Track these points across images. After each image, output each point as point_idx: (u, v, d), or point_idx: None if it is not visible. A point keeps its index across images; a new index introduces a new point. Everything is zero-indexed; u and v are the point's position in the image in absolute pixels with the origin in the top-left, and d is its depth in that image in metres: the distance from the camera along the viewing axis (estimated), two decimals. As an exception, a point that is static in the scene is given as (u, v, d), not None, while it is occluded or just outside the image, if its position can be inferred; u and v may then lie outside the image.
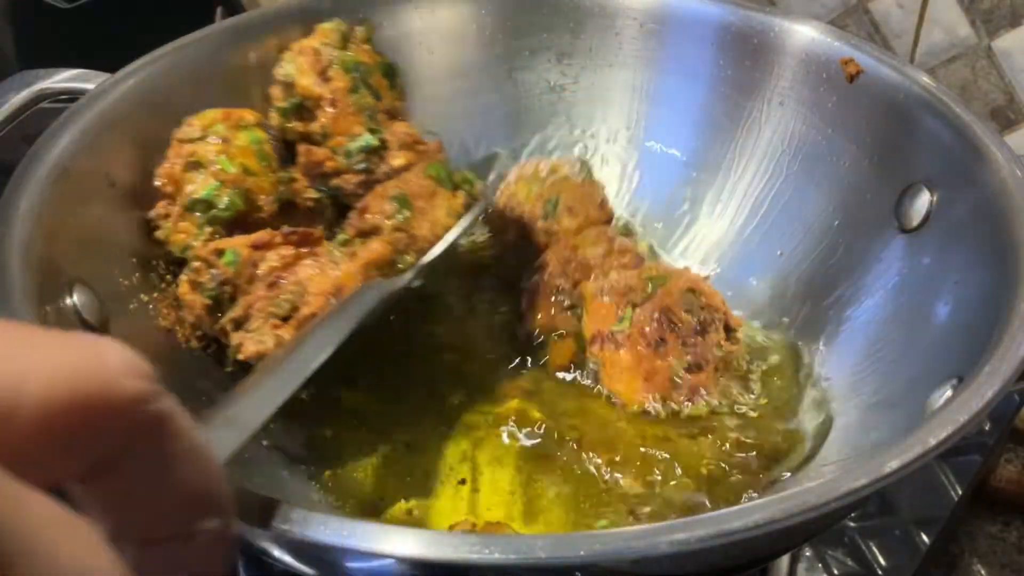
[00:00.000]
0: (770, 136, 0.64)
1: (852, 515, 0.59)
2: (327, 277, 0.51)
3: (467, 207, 0.59)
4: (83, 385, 0.19)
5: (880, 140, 0.58)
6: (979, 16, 0.77)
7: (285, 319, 0.51)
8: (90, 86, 0.56)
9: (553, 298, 0.58)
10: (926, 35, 0.80)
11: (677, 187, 0.67)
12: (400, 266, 0.55)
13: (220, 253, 0.52)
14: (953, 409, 0.39)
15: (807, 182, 0.62)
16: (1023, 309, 0.43)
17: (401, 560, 0.33)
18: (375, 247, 0.54)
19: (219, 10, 0.88)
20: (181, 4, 0.84)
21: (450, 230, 0.57)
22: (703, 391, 0.53)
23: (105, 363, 0.19)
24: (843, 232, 0.60)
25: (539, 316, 0.58)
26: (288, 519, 0.34)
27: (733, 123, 0.65)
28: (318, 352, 0.42)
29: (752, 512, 0.34)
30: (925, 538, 0.59)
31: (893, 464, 0.36)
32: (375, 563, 0.35)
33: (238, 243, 0.52)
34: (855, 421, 0.52)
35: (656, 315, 0.53)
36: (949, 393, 0.43)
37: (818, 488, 0.35)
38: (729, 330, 0.55)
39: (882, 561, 0.58)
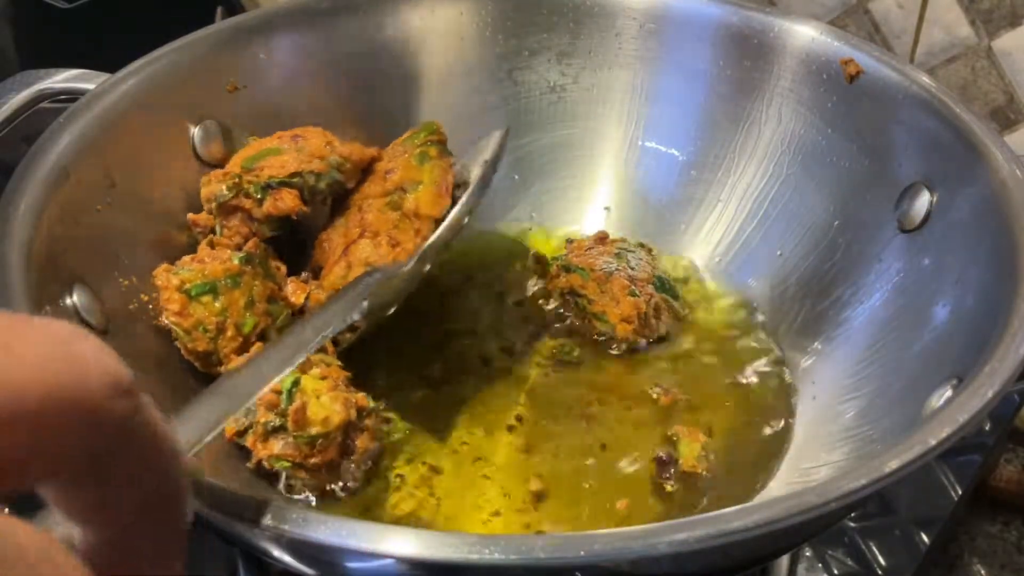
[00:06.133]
0: (770, 136, 0.64)
1: (852, 515, 0.59)
2: None
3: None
4: (63, 404, 0.18)
5: (880, 140, 0.58)
6: (979, 16, 0.77)
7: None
8: (90, 86, 0.56)
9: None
10: (926, 35, 0.79)
11: (677, 187, 0.67)
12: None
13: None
14: (953, 409, 0.39)
15: (807, 182, 0.62)
16: (1023, 309, 0.43)
17: (401, 560, 0.33)
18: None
19: (219, 10, 0.88)
20: (181, 4, 0.84)
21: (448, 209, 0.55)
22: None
23: (88, 380, 0.18)
24: (843, 232, 0.60)
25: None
26: (288, 519, 0.34)
27: (733, 123, 0.65)
28: (312, 336, 0.42)
29: (752, 512, 0.34)
30: (925, 538, 0.59)
31: (893, 464, 0.36)
32: (375, 563, 0.35)
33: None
34: (855, 421, 0.52)
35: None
36: (949, 393, 0.44)
37: (818, 488, 0.35)
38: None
39: (882, 561, 0.58)
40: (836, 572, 0.57)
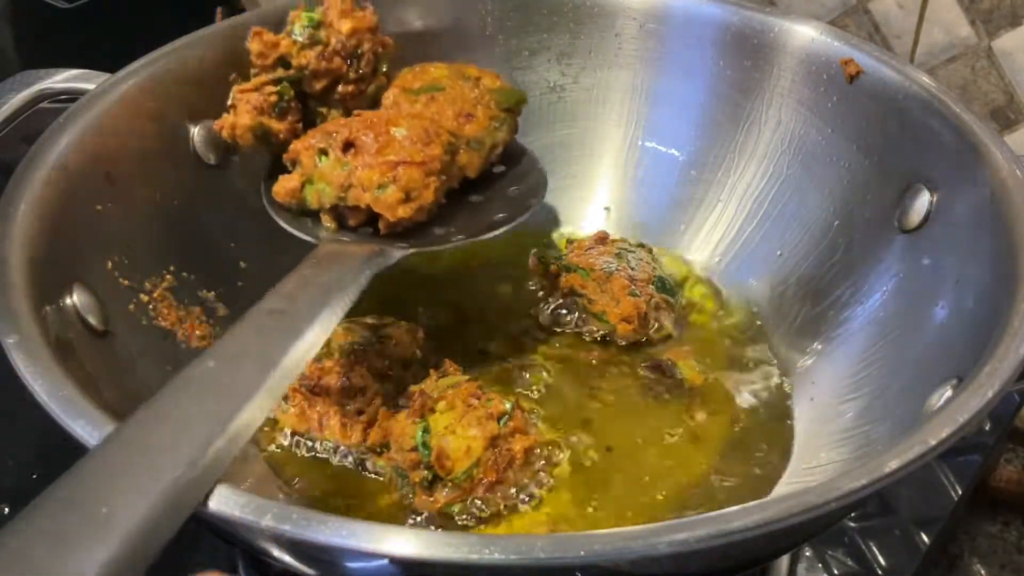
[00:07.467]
0: (770, 136, 0.64)
1: (852, 515, 0.59)
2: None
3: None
4: None
5: (880, 140, 0.58)
6: (979, 16, 0.77)
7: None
8: (90, 86, 0.56)
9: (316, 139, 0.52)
10: (926, 35, 0.79)
11: (677, 187, 0.67)
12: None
13: None
14: (953, 409, 0.39)
15: (807, 182, 0.62)
16: (1023, 309, 0.43)
17: (401, 560, 0.33)
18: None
19: (219, 10, 0.88)
20: (181, 4, 0.84)
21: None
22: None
23: None
24: (843, 232, 0.60)
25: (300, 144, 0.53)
26: (288, 519, 0.34)
27: (733, 123, 0.65)
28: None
29: (752, 512, 0.34)
30: (925, 538, 0.59)
31: (893, 464, 0.36)
32: (375, 563, 0.35)
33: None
34: (855, 421, 0.52)
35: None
36: (949, 393, 0.44)
37: (818, 488, 0.35)
38: None
39: (882, 561, 0.58)
40: (836, 572, 0.57)
